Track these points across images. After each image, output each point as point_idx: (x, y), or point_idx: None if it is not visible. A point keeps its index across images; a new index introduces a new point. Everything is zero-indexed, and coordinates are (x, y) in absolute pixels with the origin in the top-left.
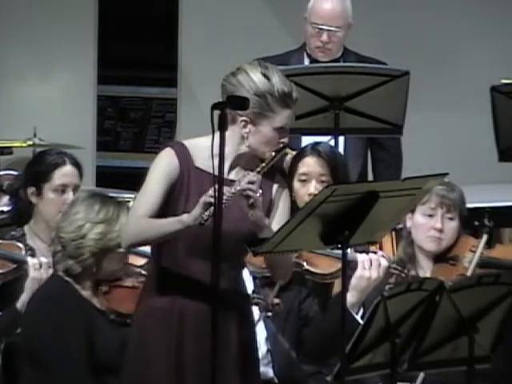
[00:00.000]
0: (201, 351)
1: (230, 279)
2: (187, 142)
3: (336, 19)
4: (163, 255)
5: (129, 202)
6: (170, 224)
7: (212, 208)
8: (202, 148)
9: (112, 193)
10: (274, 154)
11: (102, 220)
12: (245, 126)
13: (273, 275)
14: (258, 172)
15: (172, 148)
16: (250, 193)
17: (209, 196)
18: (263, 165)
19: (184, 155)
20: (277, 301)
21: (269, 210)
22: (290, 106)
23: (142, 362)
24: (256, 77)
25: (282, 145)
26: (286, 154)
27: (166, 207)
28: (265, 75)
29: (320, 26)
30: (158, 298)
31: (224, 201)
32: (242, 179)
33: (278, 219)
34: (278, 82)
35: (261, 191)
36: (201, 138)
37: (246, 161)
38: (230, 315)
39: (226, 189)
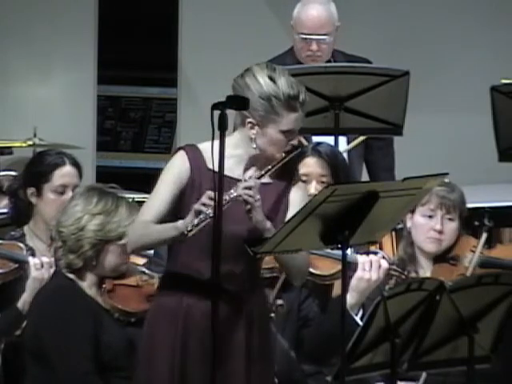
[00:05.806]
0: (206, 352)
1: (244, 280)
2: (201, 145)
3: (324, 27)
4: (171, 255)
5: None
6: (166, 230)
7: (202, 217)
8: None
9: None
10: (284, 155)
11: (100, 211)
12: (252, 128)
13: (288, 276)
14: (263, 175)
15: (184, 150)
16: (247, 198)
17: (200, 204)
18: (269, 167)
19: (196, 157)
20: (280, 302)
21: (285, 211)
22: (297, 110)
23: (148, 360)
24: (262, 79)
25: (291, 146)
26: (300, 154)
27: (180, 209)
28: (271, 78)
29: (308, 36)
30: (166, 297)
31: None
32: (239, 185)
33: None
34: (283, 84)
35: (258, 197)
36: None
37: (264, 162)
38: (241, 317)
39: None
